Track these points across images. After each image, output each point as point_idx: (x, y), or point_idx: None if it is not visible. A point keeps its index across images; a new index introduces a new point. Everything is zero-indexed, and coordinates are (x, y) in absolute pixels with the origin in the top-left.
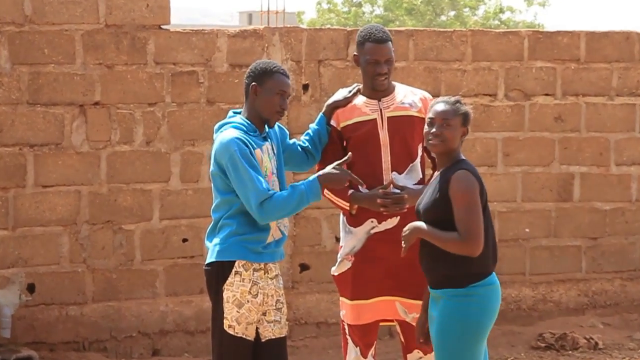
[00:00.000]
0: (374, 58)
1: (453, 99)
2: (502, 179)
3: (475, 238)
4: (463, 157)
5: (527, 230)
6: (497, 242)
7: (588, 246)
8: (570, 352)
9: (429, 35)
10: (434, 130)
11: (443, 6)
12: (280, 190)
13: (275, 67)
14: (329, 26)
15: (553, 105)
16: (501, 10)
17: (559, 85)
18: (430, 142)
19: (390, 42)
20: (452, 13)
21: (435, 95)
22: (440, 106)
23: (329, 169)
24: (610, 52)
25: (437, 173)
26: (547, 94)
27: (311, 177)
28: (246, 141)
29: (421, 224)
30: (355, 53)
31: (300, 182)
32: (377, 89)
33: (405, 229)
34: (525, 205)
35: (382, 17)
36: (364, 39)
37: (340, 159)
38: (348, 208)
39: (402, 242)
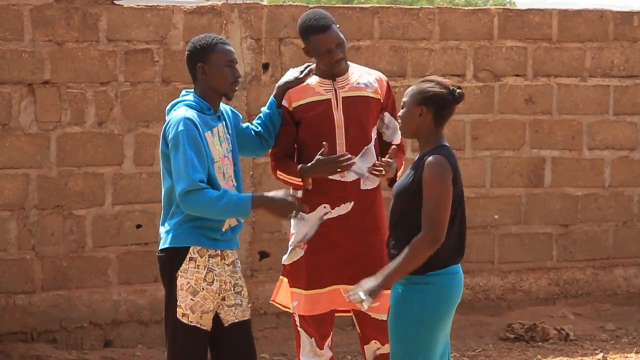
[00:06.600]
0: (325, 47)
1: (427, 78)
2: (471, 164)
3: (438, 231)
4: (444, 143)
5: (496, 216)
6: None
7: (559, 233)
8: (540, 343)
9: (394, 12)
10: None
11: None
12: (235, 173)
13: (214, 39)
14: (290, 2)
15: (523, 87)
16: None
17: (529, 65)
18: None
19: (333, 25)
20: None
21: (401, 75)
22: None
23: (275, 194)
24: (583, 31)
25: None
26: (517, 75)
27: (247, 194)
28: (197, 123)
29: (383, 273)
30: (303, 46)
31: (235, 193)
32: (339, 75)
33: (369, 285)
34: (494, 191)
35: None
36: (306, 33)
37: (294, 141)
38: (301, 183)
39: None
